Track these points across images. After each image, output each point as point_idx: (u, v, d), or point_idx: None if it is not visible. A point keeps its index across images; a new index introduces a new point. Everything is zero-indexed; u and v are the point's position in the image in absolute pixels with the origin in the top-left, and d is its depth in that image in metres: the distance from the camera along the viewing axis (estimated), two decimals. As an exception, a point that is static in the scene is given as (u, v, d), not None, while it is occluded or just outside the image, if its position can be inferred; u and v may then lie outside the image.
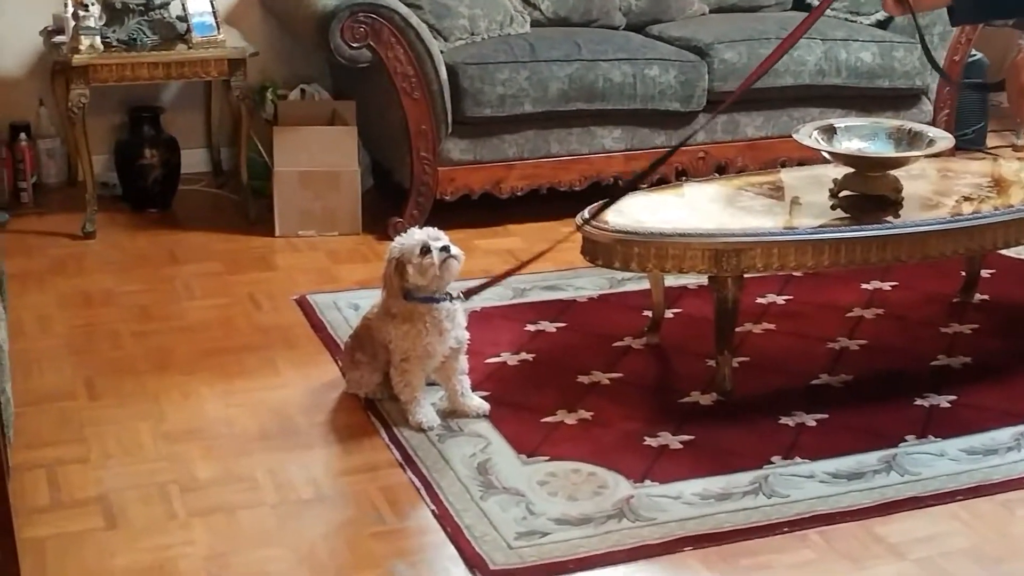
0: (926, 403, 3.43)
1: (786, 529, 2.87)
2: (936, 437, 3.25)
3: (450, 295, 3.24)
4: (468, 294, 3.30)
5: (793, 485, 3.03)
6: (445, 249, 3.16)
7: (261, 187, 4.86)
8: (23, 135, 4.95)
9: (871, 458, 3.15)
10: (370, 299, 3.95)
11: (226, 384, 3.55)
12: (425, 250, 3.15)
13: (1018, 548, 2.82)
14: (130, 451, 3.19)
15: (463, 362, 3.32)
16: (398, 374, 3.27)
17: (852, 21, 5.19)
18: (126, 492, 3.01)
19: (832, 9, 5.26)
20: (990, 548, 2.82)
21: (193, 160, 5.22)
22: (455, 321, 3.26)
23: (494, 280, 3.43)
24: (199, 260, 4.47)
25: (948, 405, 3.42)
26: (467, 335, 3.31)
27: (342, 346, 3.61)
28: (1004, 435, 3.27)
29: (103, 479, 3.06)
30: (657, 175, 4.82)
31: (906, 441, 3.23)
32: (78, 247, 4.58)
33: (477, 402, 3.34)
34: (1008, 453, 3.18)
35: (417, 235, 3.21)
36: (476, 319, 3.88)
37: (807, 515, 2.92)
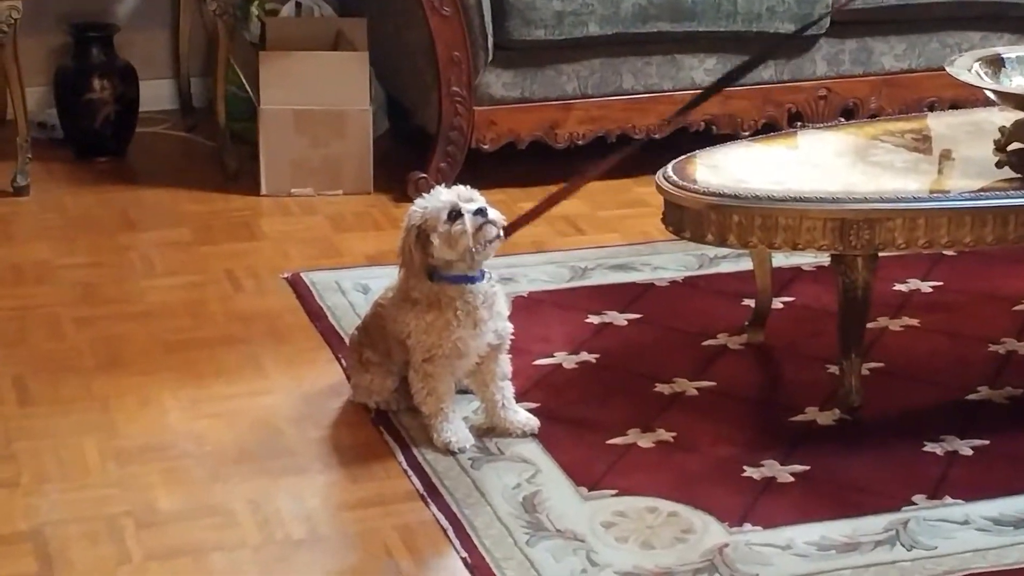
0: (1121, 427, 3.41)
1: (931, 590, 2.86)
2: None
3: (487, 273, 3.24)
4: (510, 229, 3.27)
5: (941, 533, 3.00)
6: (481, 212, 3.15)
7: (243, 131, 4.87)
8: (-65, 60, 4.99)
9: (1047, 499, 3.14)
10: (384, 279, 3.96)
11: (195, 388, 3.56)
12: (455, 215, 3.13)
13: None
14: (72, 473, 3.20)
15: (505, 364, 3.32)
16: (420, 378, 3.27)
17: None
18: (66, 526, 3.01)
19: None
20: None
21: (155, 94, 5.25)
22: (494, 308, 3.25)
23: (545, 205, 3.41)
24: (162, 226, 4.49)
25: None
26: (510, 327, 3.30)
27: (347, 341, 3.62)
28: None
29: (37, 509, 3.06)
30: (763, 119, 4.81)
31: (1094, 477, 3.21)
32: (6, 206, 4.62)
33: (523, 417, 3.34)
34: None
35: (444, 196, 3.19)
36: (522, 307, 3.89)
37: (959, 573, 2.89)
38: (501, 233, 3.19)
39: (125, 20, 5.19)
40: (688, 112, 3.45)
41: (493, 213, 3.16)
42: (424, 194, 3.26)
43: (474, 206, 3.15)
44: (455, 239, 3.12)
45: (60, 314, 3.92)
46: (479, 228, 3.13)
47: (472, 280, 3.21)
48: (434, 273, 3.19)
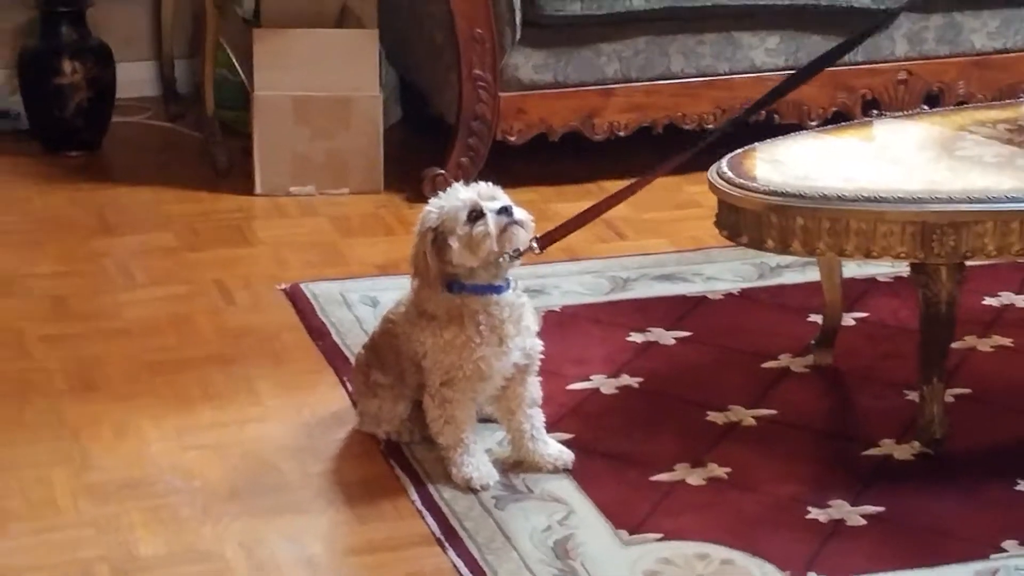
0: None
1: (1026, 655, 2.87)
2: None
3: (512, 282, 3.24)
4: (545, 242, 3.28)
5: (1040, 587, 3.02)
6: (505, 211, 3.14)
7: (235, 120, 4.90)
8: None
9: None
10: (395, 291, 3.97)
11: (181, 416, 3.58)
12: (476, 215, 3.13)
13: None
14: (40, 512, 3.21)
15: (534, 388, 3.34)
16: (437, 405, 3.28)
17: None
18: (33, 574, 3.02)
19: None
20: None
21: (135, 78, 5.28)
22: (521, 323, 3.26)
23: (593, 212, 3.40)
24: (143, 229, 4.52)
25: None
26: (540, 345, 3.31)
27: (353, 362, 3.64)
28: None
29: (2, 553, 3.08)
30: (833, 107, 4.82)
31: None
32: (-37, 207, 4.66)
33: (555, 449, 3.35)
34: None
35: (463, 194, 3.19)
36: (554, 323, 3.91)
37: (1061, 634, 2.91)
38: (533, 241, 3.21)
39: (100, -6, 5.23)
40: (761, 107, 3.43)
41: (520, 213, 3.16)
42: (439, 193, 3.26)
43: (497, 204, 3.14)
44: (477, 243, 3.11)
45: (26, 330, 3.94)
46: (504, 230, 3.12)
47: (497, 291, 3.20)
48: (453, 283, 3.19)
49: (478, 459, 3.29)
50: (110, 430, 3.52)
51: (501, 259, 3.15)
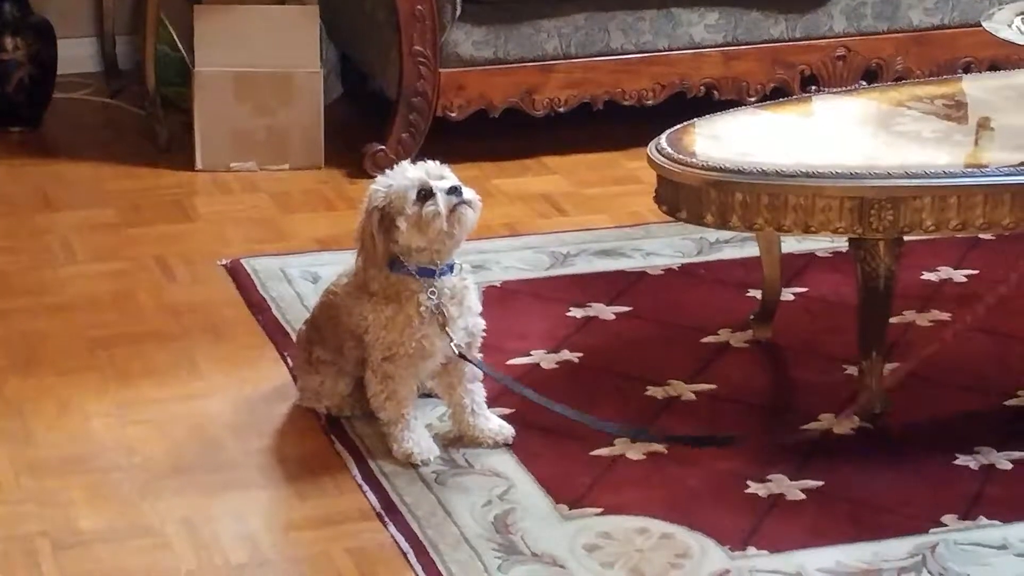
0: None
1: (965, 625, 2.88)
2: None
3: (457, 265, 3.24)
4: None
5: (976, 559, 3.01)
6: (455, 191, 3.13)
7: (176, 96, 4.88)
8: None
9: (1096, 520, 3.16)
10: (335, 265, 3.97)
11: (122, 390, 3.57)
12: (425, 194, 3.12)
13: None
14: (-20, 488, 3.22)
15: (473, 378, 3.33)
16: (378, 380, 3.27)
17: None
18: (-26, 548, 3.03)
19: None
20: None
21: (75, 55, 5.25)
22: (465, 303, 3.25)
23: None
24: (84, 205, 4.50)
25: None
26: (482, 324, 3.31)
27: (294, 337, 3.63)
28: None
29: (-60, 528, 3.09)
30: (772, 83, 4.82)
31: None
32: (-94, 182, 4.62)
33: (496, 424, 3.35)
34: None
35: (411, 172, 3.17)
36: (494, 299, 3.91)
37: (998, 604, 2.92)
38: (475, 215, 3.19)
39: (40, -32, 5.20)
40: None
41: (469, 193, 3.15)
42: (386, 170, 3.24)
43: (447, 184, 3.13)
44: (426, 223, 3.10)
45: (-35, 307, 3.93)
46: (453, 209, 3.11)
47: (439, 273, 3.20)
48: (396, 263, 3.18)
49: (419, 434, 3.28)
50: (52, 406, 3.51)
51: (449, 237, 3.14)
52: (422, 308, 3.18)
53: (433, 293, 3.18)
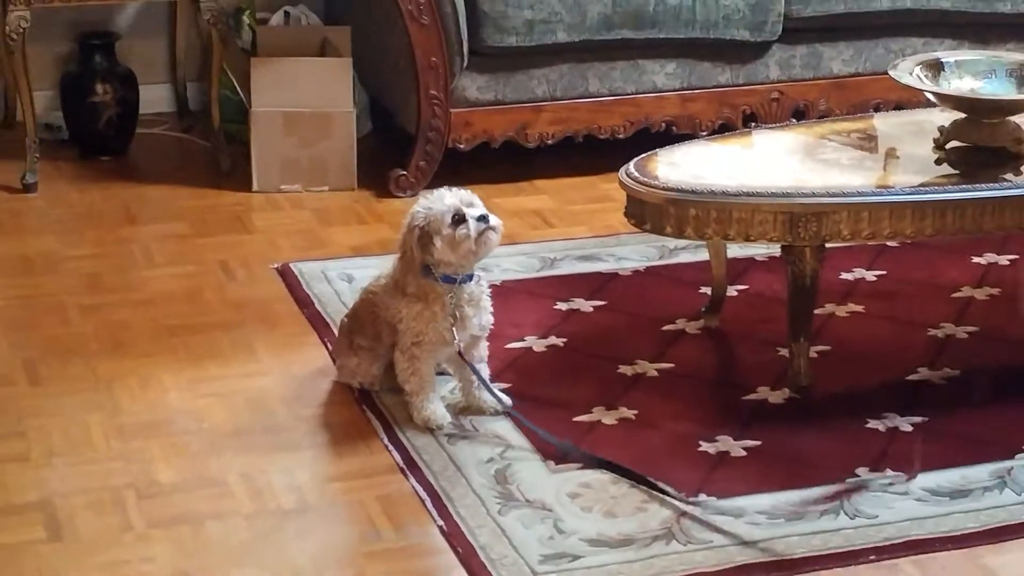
0: (1050, 405, 3.43)
1: (873, 557, 2.86)
2: (1062, 447, 3.26)
3: (476, 275, 3.25)
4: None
5: (883, 504, 3.02)
6: (483, 219, 3.14)
7: (236, 131, 4.87)
8: (-53, 66, 4.99)
9: (981, 472, 3.14)
10: (366, 268, 3.98)
11: (193, 370, 3.57)
12: (458, 219, 3.12)
13: None
14: (78, 448, 3.21)
15: (482, 348, 3.34)
16: (405, 359, 3.28)
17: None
18: (73, 497, 3.02)
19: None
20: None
21: (154, 98, 5.23)
22: (480, 305, 3.27)
23: None
24: (161, 220, 4.49)
25: (1079, 409, 3.43)
26: (492, 320, 3.32)
27: (336, 327, 3.64)
28: None
29: (46, 481, 3.08)
30: (719, 120, 4.83)
31: None
32: (16, 202, 4.61)
33: (492, 397, 3.36)
34: None
35: (448, 199, 3.17)
36: (495, 295, 3.86)
37: (899, 541, 2.91)
38: (498, 238, 3.20)
39: (126, 28, 5.18)
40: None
41: (494, 220, 3.16)
42: (427, 195, 3.23)
43: (476, 212, 3.14)
44: (458, 243, 3.12)
45: (66, 302, 3.92)
46: (481, 234, 3.12)
47: (459, 282, 3.21)
48: (426, 270, 3.19)
49: (435, 404, 3.29)
50: (135, 382, 3.51)
51: (475, 256, 3.16)
52: (445, 308, 3.19)
53: (452, 297, 3.19)
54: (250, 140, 4.68)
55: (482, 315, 3.27)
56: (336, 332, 3.66)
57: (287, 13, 5.07)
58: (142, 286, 4.03)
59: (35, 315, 3.85)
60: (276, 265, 4.15)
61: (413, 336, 3.23)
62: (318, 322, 3.81)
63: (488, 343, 3.36)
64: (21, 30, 4.52)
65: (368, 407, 3.39)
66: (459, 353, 3.26)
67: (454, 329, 3.21)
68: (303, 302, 3.92)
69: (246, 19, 5.05)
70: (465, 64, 4.58)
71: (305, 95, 4.63)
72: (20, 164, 4.70)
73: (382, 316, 3.30)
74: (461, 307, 3.21)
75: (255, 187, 4.68)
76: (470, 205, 3.15)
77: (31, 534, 2.90)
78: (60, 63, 5.10)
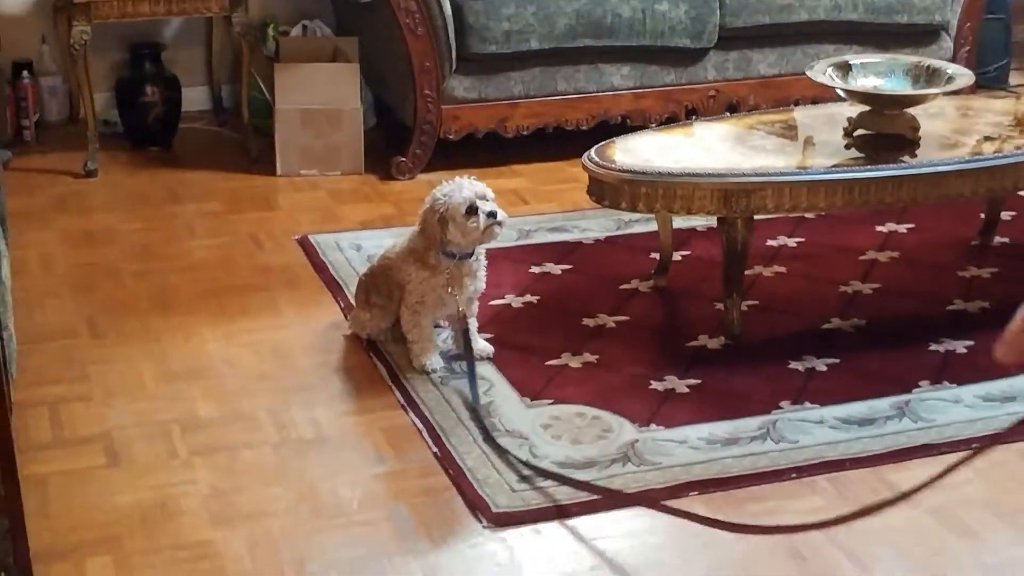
0: (941, 348, 3.43)
1: (794, 475, 2.89)
2: (951, 383, 3.26)
3: (476, 251, 3.22)
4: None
5: (802, 431, 3.04)
6: (492, 215, 3.10)
7: (262, 125, 4.86)
8: (25, 73, 4.95)
9: (883, 404, 3.16)
10: (372, 239, 3.98)
11: (228, 324, 3.57)
12: (471, 211, 3.10)
13: (1032, 495, 2.84)
14: (132, 390, 3.22)
15: (474, 307, 3.33)
16: (410, 314, 3.27)
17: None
18: (128, 430, 3.03)
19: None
20: (1008, 499, 2.82)
21: (194, 98, 5.21)
22: (477, 275, 3.26)
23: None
24: (200, 199, 4.47)
25: (964, 351, 3.42)
26: (483, 285, 3.31)
27: (348, 289, 3.65)
28: (1022, 383, 3.25)
29: (106, 417, 3.09)
30: (666, 114, 4.82)
31: (920, 387, 3.24)
32: (80, 185, 4.59)
33: (482, 345, 3.34)
34: (1024, 400, 3.20)
35: (465, 191, 3.12)
36: (481, 260, 3.90)
37: (816, 461, 2.93)
38: (501, 230, 3.18)
39: (170, 40, 5.16)
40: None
41: (502, 215, 3.13)
42: (448, 182, 3.18)
43: (488, 207, 3.10)
44: (468, 231, 3.10)
45: (122, 268, 3.92)
46: (488, 227, 3.11)
47: (464, 257, 3.20)
48: (441, 247, 3.17)
49: (432, 353, 3.28)
50: (180, 335, 3.51)
51: (478, 243, 3.16)
52: (447, 277, 3.18)
53: (452, 269, 3.18)
54: (274, 132, 4.66)
55: (476, 283, 3.26)
56: (347, 293, 3.66)
57: (304, 26, 5.07)
58: (185, 255, 4.03)
59: (96, 279, 3.84)
60: (297, 237, 4.14)
61: (417, 297, 3.22)
62: (332, 284, 3.80)
63: (477, 302, 3.36)
64: (83, 42, 4.51)
65: (375, 354, 3.39)
66: (460, 312, 3.24)
67: (453, 294, 3.20)
68: (319, 267, 3.91)
69: (270, 31, 5.04)
70: (453, 68, 4.56)
71: (320, 95, 4.62)
72: (83, 154, 4.68)
73: (394, 278, 3.28)
74: (460, 277, 3.20)
75: (279, 172, 4.66)
76: (483, 199, 3.12)
77: (94, 461, 2.92)
78: (115, 69, 5.08)
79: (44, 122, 5.08)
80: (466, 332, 3.27)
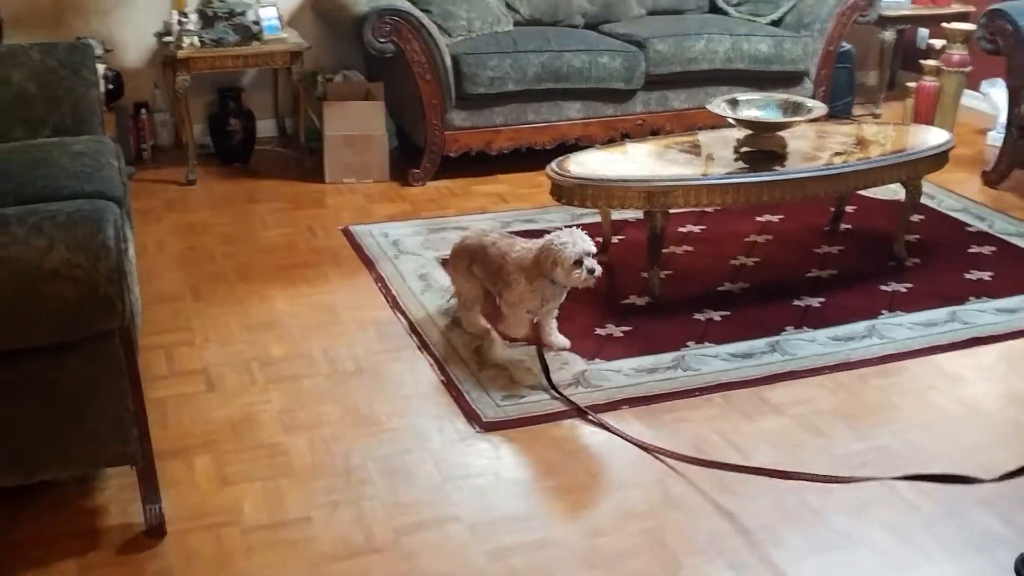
0: (802, 304, 3.45)
1: (697, 393, 2.91)
2: (809, 328, 3.28)
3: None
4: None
5: (703, 363, 3.07)
6: (591, 272, 2.88)
7: (315, 147, 4.84)
8: (143, 110, 4.93)
9: (760, 343, 3.19)
10: (396, 228, 3.97)
11: (291, 289, 3.57)
12: (578, 263, 2.88)
13: (869, 408, 2.88)
14: (224, 337, 3.23)
15: (554, 313, 3.12)
16: (507, 306, 3.06)
17: (752, 20, 5.16)
18: (221, 366, 3.05)
19: (737, 11, 5.24)
20: (847, 408, 2.87)
21: (265, 127, 5.20)
22: (561, 297, 3.04)
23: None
24: (271, 200, 4.46)
25: (818, 305, 3.44)
26: (562, 300, 3.06)
27: (380, 264, 3.64)
28: (860, 327, 3.30)
29: (205, 357, 3.11)
30: (607, 137, 4.83)
31: (786, 331, 3.26)
32: (184, 191, 4.57)
33: (561, 340, 3.13)
34: (863, 339, 3.22)
35: (578, 246, 2.87)
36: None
37: (713, 384, 2.96)
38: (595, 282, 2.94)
39: (248, 85, 5.14)
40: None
41: (598, 271, 2.89)
42: (564, 229, 2.95)
43: (591, 264, 2.88)
44: (571, 278, 2.90)
45: (215, 251, 3.91)
46: (586, 278, 2.89)
47: (559, 286, 2.99)
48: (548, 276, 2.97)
49: (523, 329, 3.09)
50: (257, 298, 3.52)
51: (574, 287, 2.95)
52: (543, 294, 3.00)
53: (552, 290, 2.99)
54: (323, 152, 4.65)
55: (559, 299, 3.03)
56: (378, 268, 3.63)
57: (344, 74, 5.05)
58: (260, 240, 4.02)
59: (196, 258, 3.84)
60: (341, 227, 4.13)
61: (517, 298, 3.02)
62: (367, 261, 3.79)
63: (557, 311, 3.14)
64: (184, 87, 4.49)
65: (397, 310, 3.39)
66: (535, 320, 3.06)
67: (541, 307, 3.03)
68: (357, 249, 3.90)
69: (319, 78, 5.02)
70: (453, 104, 4.55)
71: (356, 124, 4.60)
72: (185, 168, 4.67)
73: (503, 271, 3.02)
74: (552, 298, 3.02)
75: (327, 180, 4.65)
76: (588, 255, 2.88)
77: (196, 387, 2.94)
78: (208, 107, 5.06)
79: (157, 146, 5.05)
80: (543, 333, 3.10)
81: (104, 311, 2.09)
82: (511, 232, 4.03)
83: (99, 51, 4.48)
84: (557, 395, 2.87)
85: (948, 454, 2.66)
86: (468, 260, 3.11)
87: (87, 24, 4.79)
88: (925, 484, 2.44)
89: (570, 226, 2.97)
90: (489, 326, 3.17)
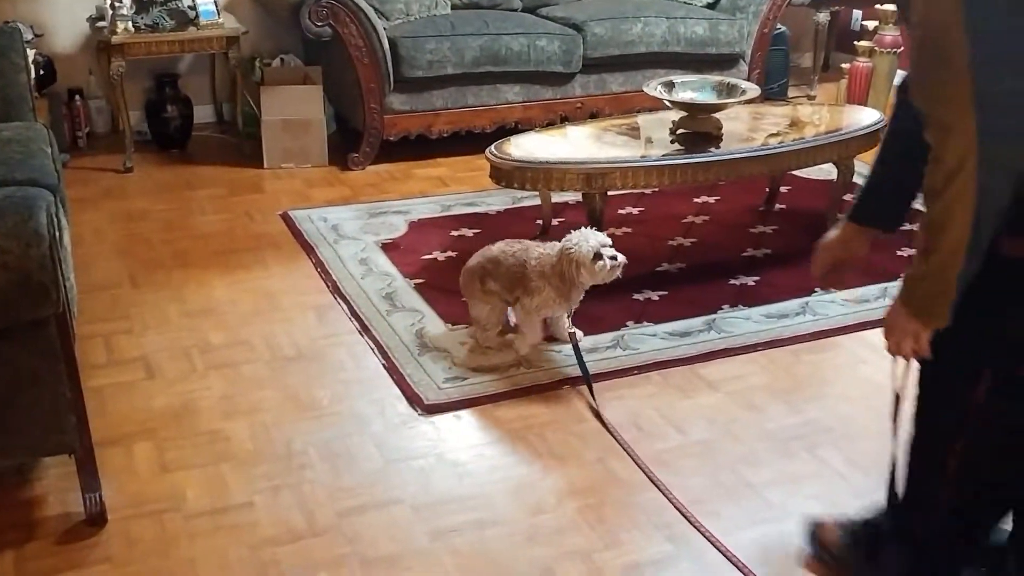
0: (738, 282, 3.49)
1: (636, 371, 2.95)
2: (744, 306, 3.33)
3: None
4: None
5: (641, 341, 3.10)
6: (614, 259, 2.83)
7: (252, 132, 4.81)
8: (78, 97, 4.86)
9: (697, 322, 3.22)
10: (334, 212, 3.95)
11: (230, 276, 3.56)
12: (597, 257, 2.83)
13: (801, 383, 2.94)
14: (162, 324, 3.21)
15: (570, 309, 3.06)
16: (525, 313, 2.99)
17: (689, 3, 5.20)
18: (160, 353, 3.03)
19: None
20: (780, 384, 2.93)
21: (202, 113, 5.14)
22: (576, 301, 2.98)
23: None
24: (209, 186, 4.43)
25: (753, 284, 3.49)
26: (577, 304, 3.01)
27: (320, 248, 3.62)
28: (793, 304, 3.35)
29: (143, 344, 3.09)
30: (546, 120, 4.86)
31: (722, 309, 3.30)
32: (121, 178, 4.51)
33: (575, 330, 3.05)
34: (795, 317, 3.28)
35: (591, 241, 2.83)
36: (415, 227, 3.91)
37: (651, 361, 2.99)
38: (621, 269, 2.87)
39: (184, 71, 5.08)
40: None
41: (621, 257, 2.84)
42: (573, 232, 2.92)
43: (610, 252, 2.83)
44: (596, 273, 2.84)
45: (153, 237, 3.88)
46: (612, 267, 2.85)
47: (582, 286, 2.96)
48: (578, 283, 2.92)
49: (537, 339, 3.04)
50: (194, 283, 3.50)
51: (602, 282, 2.88)
52: (564, 300, 2.95)
53: (573, 294, 2.95)
54: (261, 137, 4.62)
55: (575, 303, 2.97)
56: (318, 253, 3.62)
57: (282, 58, 5.01)
58: (199, 227, 3.99)
59: (134, 246, 3.80)
60: (280, 212, 4.11)
61: (539, 305, 2.95)
62: (306, 246, 3.77)
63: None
64: (120, 73, 4.43)
65: (338, 295, 3.38)
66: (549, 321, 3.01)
67: (564, 309, 2.98)
68: (296, 234, 3.89)
69: (257, 63, 4.98)
70: (392, 88, 4.54)
71: (294, 109, 4.58)
72: (122, 156, 4.61)
73: (525, 279, 2.95)
74: (572, 301, 2.96)
75: (265, 165, 4.62)
76: (606, 246, 2.84)
77: (135, 375, 2.92)
78: (145, 93, 4.99)
79: (93, 133, 4.97)
80: (557, 328, 3.06)
81: (38, 299, 2.07)
82: (452, 216, 4.06)
83: (28, 36, 4.40)
84: (593, 401, 2.78)
85: (878, 427, 2.73)
86: (480, 280, 3.01)
87: (14, 8, 4.70)
88: (856, 456, 2.50)
89: (576, 229, 2.94)
90: (507, 331, 3.09)
